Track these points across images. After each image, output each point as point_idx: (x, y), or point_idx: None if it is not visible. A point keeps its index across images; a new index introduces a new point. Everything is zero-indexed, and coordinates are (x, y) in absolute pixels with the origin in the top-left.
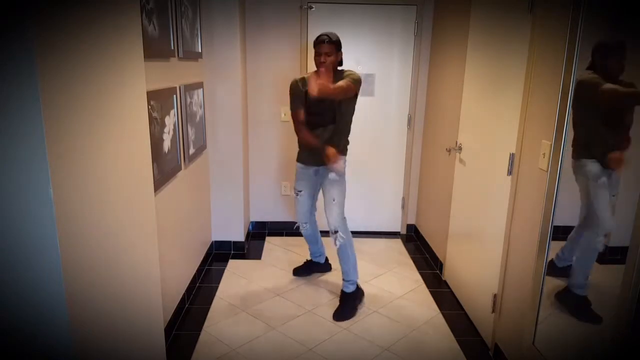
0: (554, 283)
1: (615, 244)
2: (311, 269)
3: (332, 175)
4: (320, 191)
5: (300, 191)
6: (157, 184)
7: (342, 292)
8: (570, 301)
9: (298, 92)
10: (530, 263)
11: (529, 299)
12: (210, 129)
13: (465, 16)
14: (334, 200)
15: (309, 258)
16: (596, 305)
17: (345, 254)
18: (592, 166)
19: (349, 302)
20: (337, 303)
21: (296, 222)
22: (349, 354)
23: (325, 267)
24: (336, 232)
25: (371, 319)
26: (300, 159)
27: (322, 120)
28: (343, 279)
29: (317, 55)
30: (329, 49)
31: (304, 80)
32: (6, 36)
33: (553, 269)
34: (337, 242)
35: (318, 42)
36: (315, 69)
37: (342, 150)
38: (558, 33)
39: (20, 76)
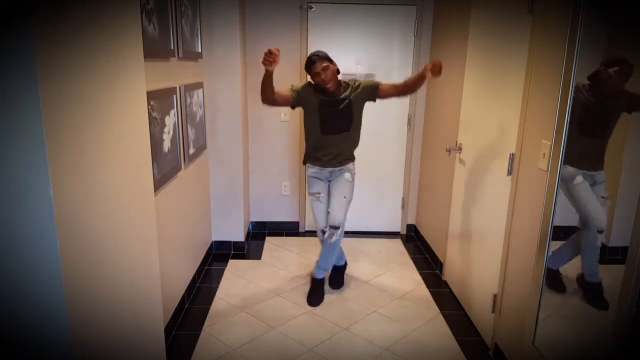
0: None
1: (615, 244)
2: (323, 287)
3: (347, 176)
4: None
5: (319, 193)
6: (157, 184)
7: (315, 279)
8: (585, 287)
9: (303, 87)
10: (530, 263)
11: (529, 299)
12: (210, 129)
13: (465, 16)
14: (345, 197)
15: (316, 277)
16: (596, 305)
17: (335, 248)
18: (565, 170)
19: (320, 287)
20: (336, 302)
21: (297, 222)
22: (349, 354)
23: (344, 266)
24: (337, 228)
25: (371, 319)
26: (314, 161)
27: (341, 128)
28: (319, 267)
29: (316, 74)
30: (323, 63)
31: (315, 89)
32: (6, 36)
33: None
34: (334, 238)
35: (311, 62)
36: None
37: (353, 157)
38: (558, 33)
39: (20, 76)
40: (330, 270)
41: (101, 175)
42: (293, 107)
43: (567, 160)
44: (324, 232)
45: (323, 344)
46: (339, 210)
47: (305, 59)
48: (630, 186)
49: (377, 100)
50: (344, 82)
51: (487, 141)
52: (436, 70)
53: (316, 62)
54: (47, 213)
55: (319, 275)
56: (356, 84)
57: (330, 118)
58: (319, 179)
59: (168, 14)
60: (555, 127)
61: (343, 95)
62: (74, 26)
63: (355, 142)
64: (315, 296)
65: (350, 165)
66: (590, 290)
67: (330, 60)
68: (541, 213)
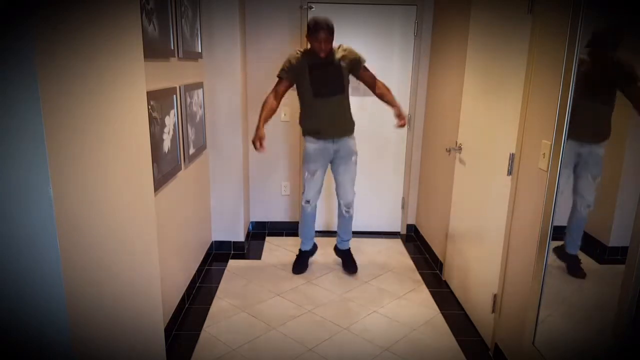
0: (555, 281)
1: (616, 244)
2: (306, 259)
3: (354, 159)
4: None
5: (317, 171)
6: (157, 184)
7: (342, 250)
8: (565, 258)
9: (294, 59)
10: (530, 263)
11: (529, 299)
12: (210, 129)
13: (465, 16)
14: (353, 179)
15: (301, 249)
16: (596, 305)
17: (351, 221)
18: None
19: (351, 256)
20: (336, 302)
21: (297, 222)
22: (349, 354)
23: (314, 250)
24: (351, 204)
25: (371, 319)
26: (315, 132)
27: (332, 90)
28: (342, 240)
29: (316, 41)
30: (327, 36)
31: (305, 55)
32: (6, 36)
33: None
34: (351, 211)
35: (317, 28)
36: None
37: (352, 127)
38: (558, 33)
39: (20, 76)
40: (350, 239)
41: (101, 175)
42: (292, 84)
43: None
44: (308, 202)
45: (323, 344)
46: (349, 191)
47: (310, 20)
48: (630, 186)
49: (376, 98)
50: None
51: (487, 141)
52: (401, 123)
53: (323, 30)
54: (47, 213)
55: (346, 246)
56: (344, 49)
57: (321, 80)
58: (321, 155)
59: (168, 14)
60: (555, 127)
61: (333, 59)
62: (74, 26)
63: (348, 108)
64: (351, 263)
65: (352, 142)
66: (571, 262)
67: (333, 34)
68: (541, 213)
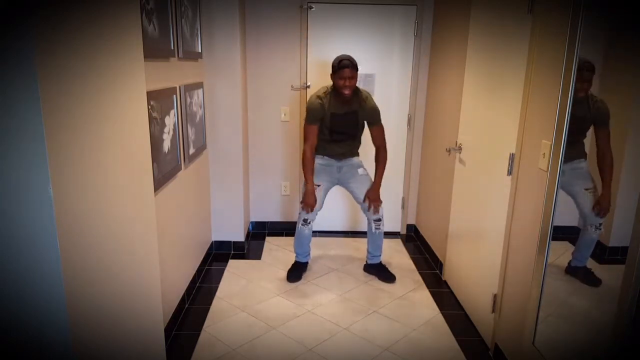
0: (559, 282)
1: (616, 244)
2: (302, 270)
3: (361, 171)
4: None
5: (319, 185)
6: (157, 184)
7: (374, 264)
8: (576, 272)
9: (319, 111)
10: (530, 263)
11: (529, 299)
12: (210, 129)
13: (465, 16)
14: None
15: (297, 260)
16: (596, 305)
17: (382, 237)
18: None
19: (385, 268)
20: (336, 302)
21: (296, 222)
22: (349, 354)
23: (306, 266)
24: (380, 220)
25: (371, 319)
26: (323, 152)
27: (347, 137)
28: (373, 255)
29: (341, 78)
30: (352, 73)
31: (325, 99)
32: (6, 36)
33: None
34: (381, 228)
35: (342, 66)
36: (326, 85)
37: (357, 153)
38: (558, 33)
39: (20, 76)
40: (381, 255)
41: (101, 175)
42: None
43: None
44: (306, 222)
45: (323, 344)
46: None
47: (334, 60)
48: (630, 186)
49: (376, 98)
50: (357, 88)
51: (487, 141)
52: (370, 204)
53: (347, 68)
54: (47, 213)
55: (377, 260)
56: (366, 98)
57: (339, 130)
58: (327, 171)
59: (168, 14)
60: (555, 127)
61: (353, 108)
62: (74, 26)
63: (358, 144)
64: (388, 274)
65: (356, 159)
66: (582, 273)
67: (356, 71)
68: (541, 213)
